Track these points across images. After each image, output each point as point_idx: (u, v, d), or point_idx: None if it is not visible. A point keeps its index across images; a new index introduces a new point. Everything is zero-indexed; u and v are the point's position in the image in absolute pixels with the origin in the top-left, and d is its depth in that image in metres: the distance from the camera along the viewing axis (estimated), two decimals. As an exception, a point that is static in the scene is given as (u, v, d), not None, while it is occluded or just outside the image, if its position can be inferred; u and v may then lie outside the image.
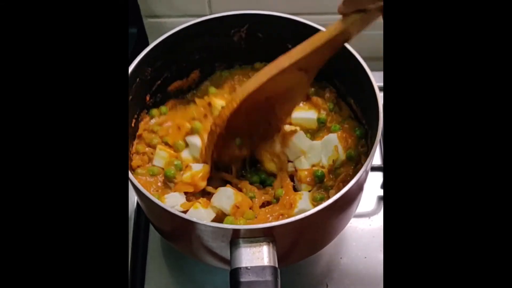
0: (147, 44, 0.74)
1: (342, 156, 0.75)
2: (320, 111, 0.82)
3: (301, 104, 0.83)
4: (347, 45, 0.72)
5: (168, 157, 0.76)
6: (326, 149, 0.76)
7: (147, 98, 0.80)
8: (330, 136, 0.77)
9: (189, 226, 0.60)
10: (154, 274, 0.83)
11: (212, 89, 0.84)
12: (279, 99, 0.73)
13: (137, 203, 0.88)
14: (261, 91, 0.68)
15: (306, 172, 0.74)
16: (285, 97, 0.73)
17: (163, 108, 0.82)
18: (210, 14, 0.85)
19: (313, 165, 0.76)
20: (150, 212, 0.71)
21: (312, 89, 0.83)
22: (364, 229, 0.87)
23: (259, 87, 0.68)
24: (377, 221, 0.88)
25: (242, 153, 0.77)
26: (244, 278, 0.57)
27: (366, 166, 0.62)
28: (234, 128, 0.71)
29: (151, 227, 0.87)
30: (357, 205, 0.74)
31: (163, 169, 0.76)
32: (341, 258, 0.84)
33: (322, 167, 0.75)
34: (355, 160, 0.75)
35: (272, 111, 0.75)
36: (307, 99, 0.83)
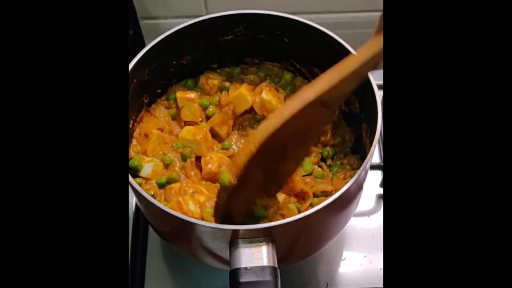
0: (143, 46, 0.74)
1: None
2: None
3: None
4: (346, 45, 0.72)
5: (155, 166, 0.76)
6: None
7: (145, 100, 0.80)
8: None
9: (188, 226, 0.60)
10: (153, 275, 0.84)
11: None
12: (293, 141, 0.62)
13: (136, 206, 0.88)
14: (281, 131, 0.57)
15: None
16: (299, 139, 0.63)
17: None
18: (207, 15, 0.85)
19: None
20: (149, 214, 0.71)
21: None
22: (364, 227, 0.87)
23: (281, 126, 0.57)
24: (377, 220, 0.88)
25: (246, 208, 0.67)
26: (244, 278, 0.57)
27: (365, 165, 0.63)
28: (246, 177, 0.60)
29: (150, 229, 0.87)
30: (357, 204, 0.74)
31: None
32: (341, 257, 0.84)
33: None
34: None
35: (282, 159, 0.64)
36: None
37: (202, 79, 0.84)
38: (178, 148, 0.77)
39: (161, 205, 0.60)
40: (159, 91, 0.83)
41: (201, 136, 0.76)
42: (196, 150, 0.77)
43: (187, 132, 0.77)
